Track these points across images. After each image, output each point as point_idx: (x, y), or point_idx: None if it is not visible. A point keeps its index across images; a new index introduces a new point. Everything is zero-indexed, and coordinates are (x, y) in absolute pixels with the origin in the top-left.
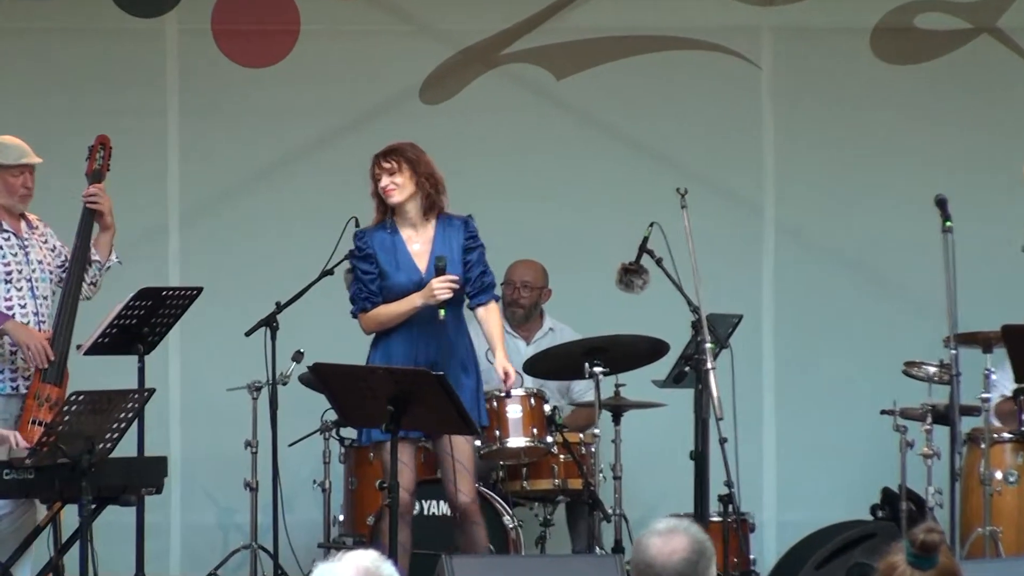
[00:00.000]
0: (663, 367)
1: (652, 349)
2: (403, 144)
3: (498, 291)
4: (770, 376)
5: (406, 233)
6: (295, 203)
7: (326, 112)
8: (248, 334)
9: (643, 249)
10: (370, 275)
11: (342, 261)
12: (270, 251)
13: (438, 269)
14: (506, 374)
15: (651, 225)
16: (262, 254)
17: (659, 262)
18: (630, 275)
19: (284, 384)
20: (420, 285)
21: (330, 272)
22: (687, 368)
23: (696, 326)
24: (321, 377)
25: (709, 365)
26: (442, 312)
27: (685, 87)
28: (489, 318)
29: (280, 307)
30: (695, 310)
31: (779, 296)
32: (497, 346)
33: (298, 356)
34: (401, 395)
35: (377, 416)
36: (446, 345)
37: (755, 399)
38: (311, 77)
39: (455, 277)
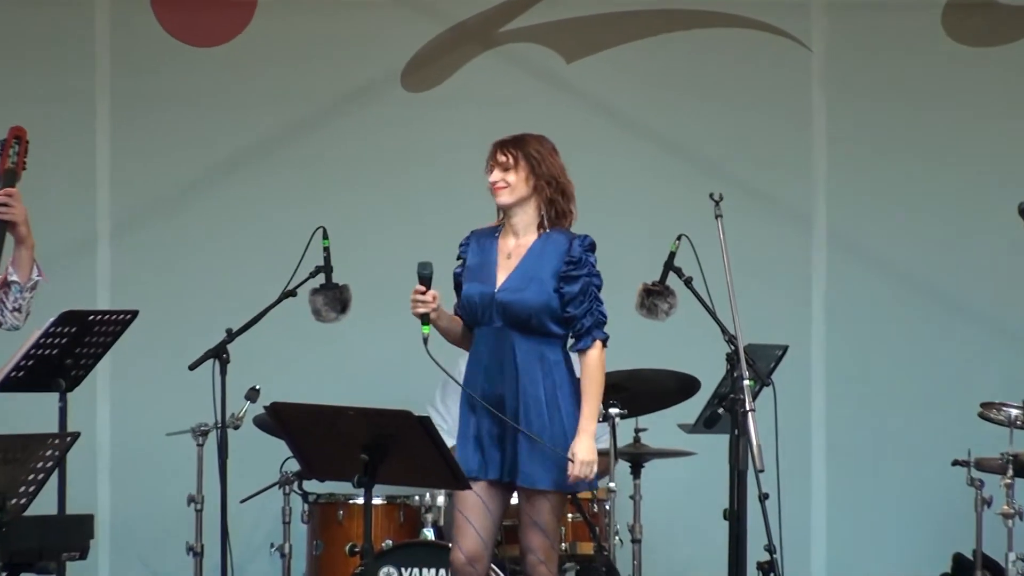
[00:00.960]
0: (692, 408)
1: (679, 387)
2: (529, 136)
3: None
4: (820, 419)
5: (507, 242)
6: (250, 209)
7: (287, 101)
8: (192, 367)
9: (669, 266)
10: (456, 281)
11: (308, 279)
12: (220, 267)
13: (420, 278)
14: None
15: (679, 238)
16: (210, 271)
17: (688, 282)
18: (653, 298)
19: (236, 428)
20: (490, 301)
21: (293, 293)
22: (721, 410)
23: (732, 359)
24: (280, 419)
25: (748, 406)
26: (424, 330)
27: (720, 72)
28: (583, 372)
29: (231, 335)
30: (731, 340)
31: (831, 323)
32: (582, 417)
33: (253, 394)
34: (377, 441)
35: (348, 466)
36: (512, 378)
37: (802, 447)
38: (269, 59)
39: (422, 289)
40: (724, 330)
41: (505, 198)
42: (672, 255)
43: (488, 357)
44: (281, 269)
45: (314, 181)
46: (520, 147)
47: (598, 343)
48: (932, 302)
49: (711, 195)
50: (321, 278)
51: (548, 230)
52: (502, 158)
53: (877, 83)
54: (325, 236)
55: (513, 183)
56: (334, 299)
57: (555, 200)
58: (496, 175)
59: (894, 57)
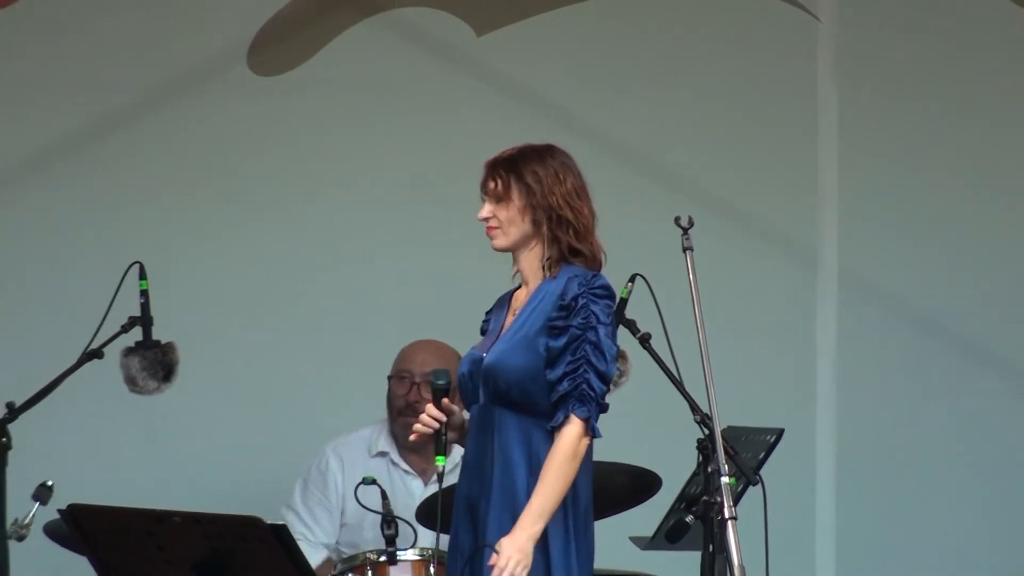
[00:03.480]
0: (650, 515)
1: (632, 485)
2: (529, 151)
3: (584, 410)
4: (827, 530)
5: (518, 296)
6: (37, 236)
7: (91, 88)
8: None
9: (618, 319)
10: None
11: (119, 335)
12: None
13: (433, 392)
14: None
15: (632, 279)
16: None
17: (645, 341)
18: None
19: (20, 539)
20: (477, 370)
21: (99, 353)
22: (690, 517)
23: (706, 448)
24: (80, 527)
25: (727, 513)
26: (439, 461)
27: (692, 49)
28: (550, 452)
29: (14, 411)
30: (704, 420)
31: (844, 396)
32: (527, 506)
33: (43, 493)
34: (215, 558)
35: None
36: (488, 473)
37: (804, 566)
38: (67, 30)
39: (436, 415)
40: (694, 407)
41: (500, 241)
42: (622, 303)
43: (471, 444)
44: (82, 320)
45: (126, 198)
46: (514, 168)
47: (576, 421)
48: (985, 365)
49: (677, 220)
50: (137, 333)
51: (555, 274)
52: (491, 184)
53: (909, 64)
54: (142, 275)
55: (505, 220)
56: (154, 362)
57: (559, 239)
58: (486, 210)
59: (932, 30)
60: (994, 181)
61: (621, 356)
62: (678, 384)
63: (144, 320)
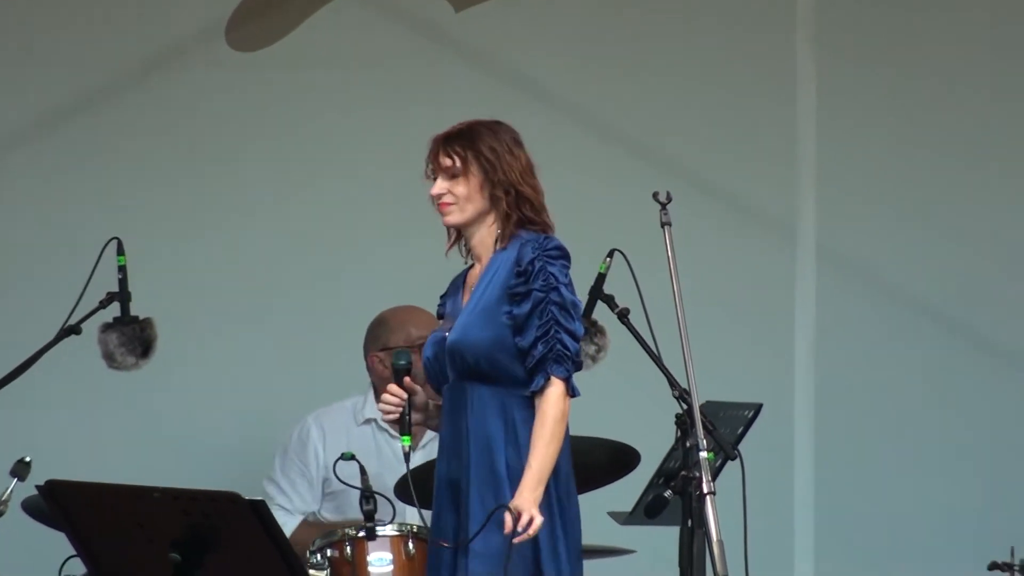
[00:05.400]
0: (628, 490)
1: (611, 461)
2: (480, 127)
3: (565, 368)
4: (806, 504)
5: (473, 273)
6: (15, 213)
7: (70, 66)
8: None
9: (597, 294)
10: None
11: (96, 311)
12: None
13: (395, 370)
14: (517, 516)
15: (610, 254)
16: None
17: (623, 315)
18: None
19: None
20: (442, 350)
21: (76, 329)
22: (668, 492)
23: (684, 423)
24: (58, 503)
25: (706, 488)
26: (404, 441)
27: (669, 23)
28: (535, 419)
29: None
30: (682, 396)
31: (822, 371)
32: (527, 469)
33: (21, 468)
34: (194, 534)
35: (152, 570)
36: (465, 447)
37: (782, 542)
38: (47, 7)
39: (399, 392)
40: (672, 382)
41: (455, 217)
42: (600, 278)
43: (446, 424)
44: (60, 296)
45: (104, 175)
46: (471, 144)
47: (556, 382)
48: (965, 341)
49: (655, 195)
50: (115, 309)
51: (504, 245)
52: (446, 161)
53: (883, 41)
54: (120, 251)
55: (463, 196)
56: (132, 338)
57: (512, 215)
58: (440, 186)
59: (910, 2)
60: (974, 155)
61: (599, 331)
62: (656, 359)
63: (122, 296)
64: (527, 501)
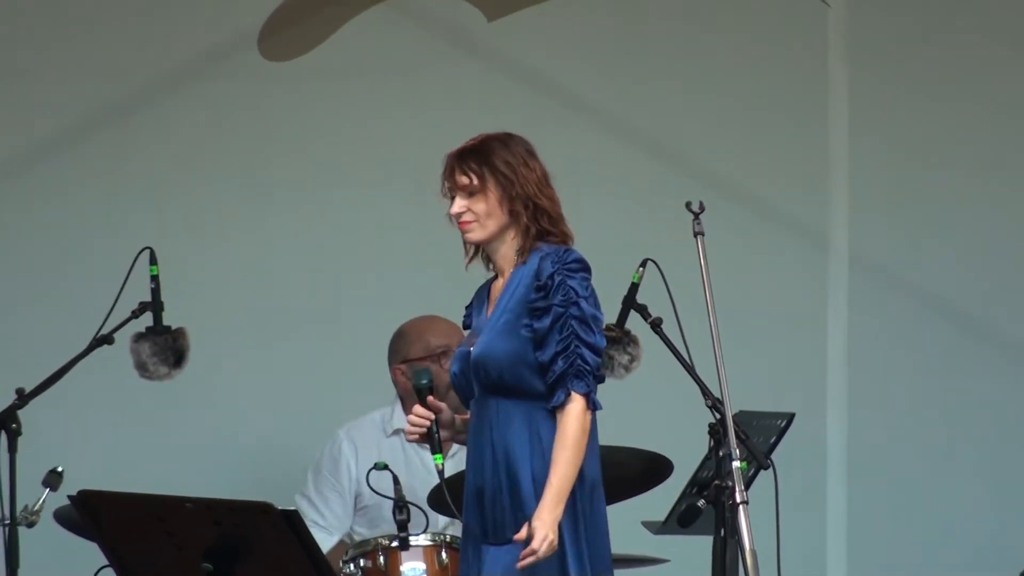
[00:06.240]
0: (662, 500)
1: (644, 470)
2: (493, 141)
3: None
4: (839, 514)
5: (496, 287)
6: (47, 223)
7: (100, 75)
8: None
9: (630, 304)
10: None
11: (129, 320)
12: (5, 305)
13: (417, 390)
14: (531, 535)
15: (643, 264)
16: None
17: (656, 325)
18: (609, 347)
19: (31, 525)
20: (468, 366)
21: (109, 339)
22: (701, 502)
23: (717, 432)
24: (91, 513)
25: (739, 497)
26: (436, 459)
27: (700, 36)
28: (557, 433)
29: (23, 397)
30: (715, 405)
31: (855, 380)
32: (547, 487)
33: (53, 479)
34: (226, 544)
35: None
36: (490, 461)
37: (815, 552)
38: (77, 16)
39: (424, 413)
40: (705, 391)
41: (477, 234)
42: (634, 288)
43: (471, 439)
44: (92, 306)
45: (137, 184)
46: (486, 160)
47: (577, 398)
48: (997, 349)
49: (688, 205)
50: (148, 319)
51: (525, 259)
52: (463, 179)
53: (919, 48)
54: (153, 260)
55: (483, 213)
56: (165, 348)
57: (531, 227)
58: (459, 204)
59: (942, 14)
60: (1005, 166)
61: (633, 341)
62: (689, 369)
63: (155, 306)
64: (545, 522)
